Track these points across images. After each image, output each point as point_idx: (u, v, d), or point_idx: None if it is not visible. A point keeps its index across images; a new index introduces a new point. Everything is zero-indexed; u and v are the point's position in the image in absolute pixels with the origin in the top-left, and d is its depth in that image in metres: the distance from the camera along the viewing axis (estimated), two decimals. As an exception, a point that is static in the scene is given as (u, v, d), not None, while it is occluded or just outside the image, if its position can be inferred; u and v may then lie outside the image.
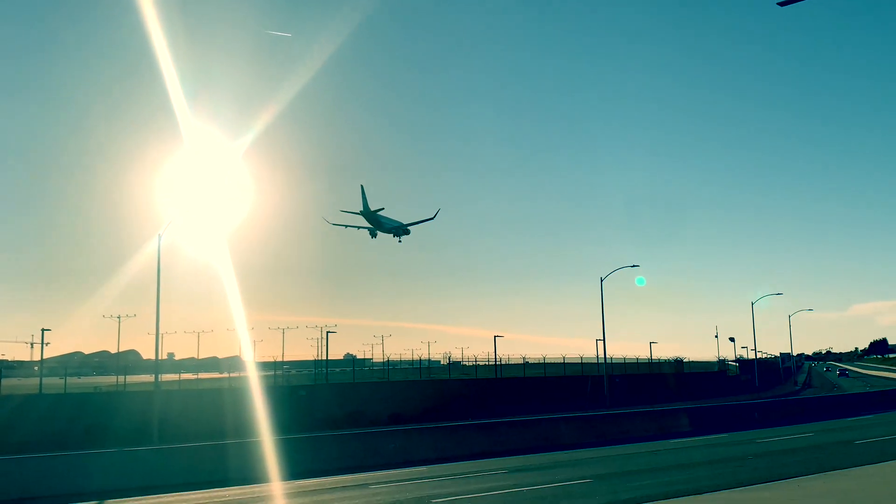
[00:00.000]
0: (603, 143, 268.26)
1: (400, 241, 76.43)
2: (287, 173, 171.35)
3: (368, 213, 71.31)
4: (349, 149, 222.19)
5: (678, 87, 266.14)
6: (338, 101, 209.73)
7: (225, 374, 62.35)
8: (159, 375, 39.15)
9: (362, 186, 71.72)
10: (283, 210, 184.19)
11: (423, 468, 24.17)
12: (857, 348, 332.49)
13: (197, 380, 61.44)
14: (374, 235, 74.72)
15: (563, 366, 77.33)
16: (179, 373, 62.47)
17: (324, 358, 67.67)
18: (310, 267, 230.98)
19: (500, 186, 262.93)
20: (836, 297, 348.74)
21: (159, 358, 40.96)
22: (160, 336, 38.37)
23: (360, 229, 73.78)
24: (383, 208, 72.89)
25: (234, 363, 67.77)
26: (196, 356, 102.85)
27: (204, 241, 51.17)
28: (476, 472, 22.61)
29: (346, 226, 74.12)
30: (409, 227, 76.72)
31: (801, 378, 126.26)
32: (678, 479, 18.86)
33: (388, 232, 75.26)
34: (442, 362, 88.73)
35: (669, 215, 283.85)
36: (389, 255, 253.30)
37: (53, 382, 55.35)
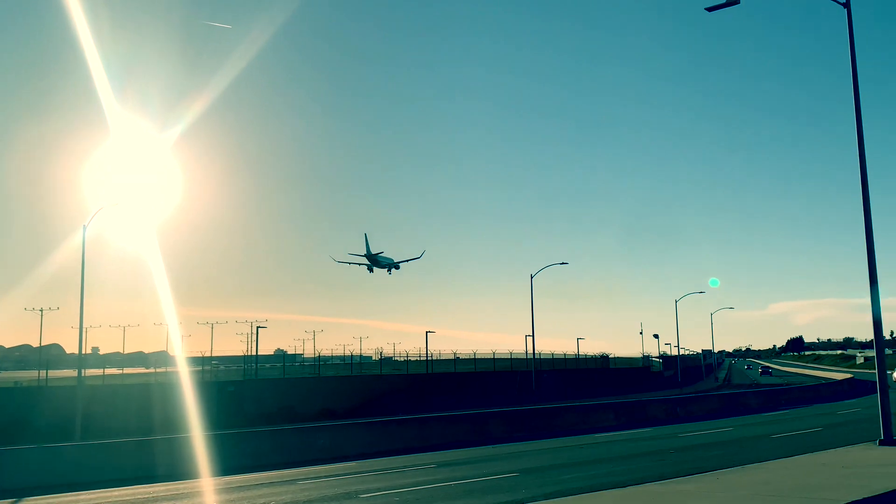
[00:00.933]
0: (531, 139, 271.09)
1: (390, 274, 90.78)
2: (219, 166, 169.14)
3: (370, 256, 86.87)
4: (282, 141, 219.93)
5: (602, 84, 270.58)
6: (271, 92, 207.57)
7: (151, 370, 61.25)
8: (83, 370, 38.34)
9: (366, 235, 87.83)
10: (213, 203, 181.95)
11: (353, 463, 24.27)
12: (774, 346, 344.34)
13: (122, 375, 60.22)
14: (371, 270, 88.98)
15: (493, 361, 78.18)
16: (104, 367, 61.12)
17: (254, 353, 67.00)
18: (240, 261, 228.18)
19: (430, 181, 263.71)
20: (756, 297, 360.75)
21: (83, 352, 40.10)
22: (84, 330, 37.60)
23: (360, 266, 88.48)
24: (382, 252, 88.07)
25: (160, 358, 66.65)
26: (122, 351, 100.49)
27: (131, 234, 50.27)
28: (405, 466, 22.81)
29: (350, 263, 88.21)
30: (399, 264, 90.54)
31: (722, 374, 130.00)
32: (603, 473, 19.37)
33: (383, 268, 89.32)
34: (374, 358, 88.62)
35: (598, 214, 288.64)
36: (321, 249, 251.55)
37: (-29, 378, 53.61)
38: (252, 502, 16.58)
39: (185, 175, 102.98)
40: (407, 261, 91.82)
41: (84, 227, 37.06)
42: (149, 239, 46.42)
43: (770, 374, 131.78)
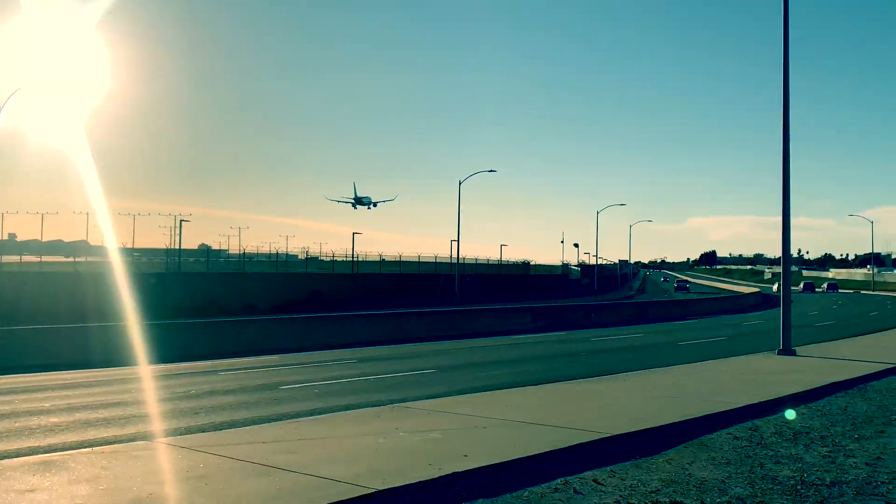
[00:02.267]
0: (460, 44, 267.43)
1: (369, 209, 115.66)
2: (149, 48, 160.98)
3: (357, 198, 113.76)
4: (219, 25, 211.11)
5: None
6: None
7: (70, 259, 59.83)
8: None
9: (354, 183, 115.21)
10: (141, 89, 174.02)
11: (275, 357, 24.56)
12: (689, 259, 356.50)
13: (40, 263, 58.71)
14: (355, 207, 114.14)
15: (418, 264, 79.10)
16: (21, 254, 59.44)
17: (177, 247, 66.07)
18: (166, 152, 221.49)
19: (360, 85, 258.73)
20: (675, 211, 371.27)
21: (-2, 238, 39.03)
22: (0, 215, 36.47)
23: (346, 204, 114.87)
24: (367, 195, 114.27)
25: (80, 247, 65.07)
26: (40, 238, 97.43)
27: (51, 118, 47.80)
28: (326, 361, 23.23)
29: (338, 201, 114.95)
30: (377, 203, 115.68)
31: (637, 284, 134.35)
32: (517, 371, 20.16)
33: (364, 205, 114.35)
34: (300, 257, 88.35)
35: (526, 124, 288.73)
36: (249, 144, 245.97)
37: None
38: (172, 391, 16.76)
39: (112, 56, 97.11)
40: (383, 201, 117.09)
41: (-2, 109, 35.53)
42: (70, 124, 44.42)
43: (687, 289, 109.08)
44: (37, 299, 38.66)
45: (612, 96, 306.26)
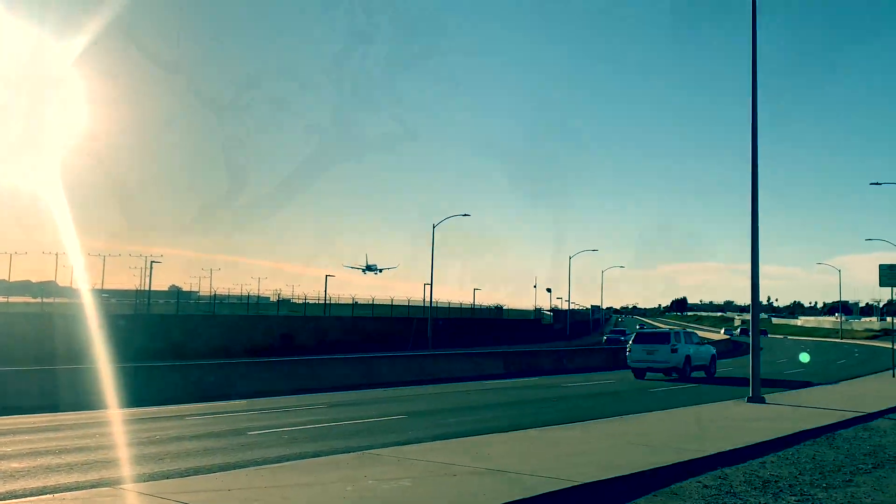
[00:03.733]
0: (437, 84, 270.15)
1: (375, 275, 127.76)
2: (127, 85, 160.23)
3: (367, 266, 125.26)
4: (202, 56, 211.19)
5: (500, 37, 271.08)
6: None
7: (38, 300, 59.05)
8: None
9: (367, 254, 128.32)
10: (116, 128, 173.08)
11: (243, 401, 24.28)
12: (660, 305, 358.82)
13: (7, 303, 57.89)
14: (364, 273, 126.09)
15: (391, 308, 78.98)
16: (-13, 295, 58.55)
17: (147, 288, 65.44)
18: (138, 192, 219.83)
19: (330, 123, 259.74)
20: (646, 257, 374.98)
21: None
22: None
23: (356, 269, 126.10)
24: (375, 264, 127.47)
25: (49, 288, 64.27)
26: (7, 279, 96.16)
27: (21, 157, 47.37)
28: (296, 406, 22.99)
29: (352, 268, 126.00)
30: (382, 269, 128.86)
31: (608, 329, 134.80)
32: (487, 417, 20.04)
33: (372, 272, 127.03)
34: (272, 299, 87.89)
35: (500, 168, 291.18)
36: (221, 185, 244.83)
37: None
38: (138, 436, 16.46)
39: (86, 94, 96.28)
40: (387, 268, 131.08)
41: (-32, 147, 35.28)
42: (41, 162, 43.93)
43: (621, 341, 76.91)
44: (1, 341, 38.00)
45: (585, 142, 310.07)
